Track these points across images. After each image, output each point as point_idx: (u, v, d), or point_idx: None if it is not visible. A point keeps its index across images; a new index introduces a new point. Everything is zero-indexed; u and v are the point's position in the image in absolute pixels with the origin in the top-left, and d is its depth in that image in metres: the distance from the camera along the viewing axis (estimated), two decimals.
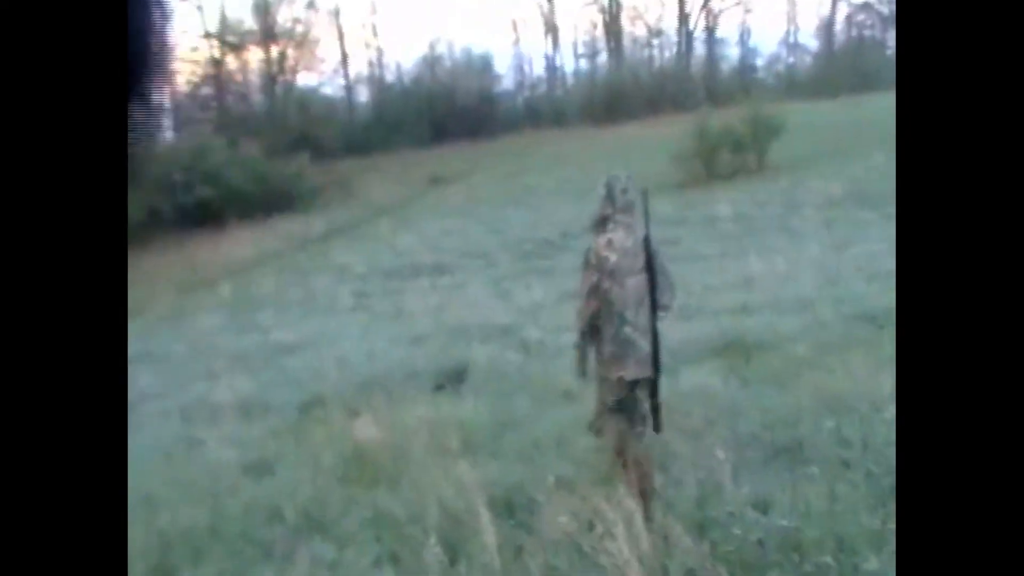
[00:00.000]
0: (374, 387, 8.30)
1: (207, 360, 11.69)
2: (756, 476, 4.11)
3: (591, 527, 3.81)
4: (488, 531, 3.94)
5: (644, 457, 4.56)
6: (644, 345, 4.56)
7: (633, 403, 4.63)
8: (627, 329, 4.51)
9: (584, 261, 4.61)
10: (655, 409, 4.64)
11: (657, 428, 4.64)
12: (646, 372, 4.58)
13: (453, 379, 8.37)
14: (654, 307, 4.58)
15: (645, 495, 4.34)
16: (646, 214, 4.58)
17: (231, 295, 18.06)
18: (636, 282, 4.51)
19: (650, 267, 4.53)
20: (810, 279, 10.42)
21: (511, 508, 4.54)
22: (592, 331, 4.59)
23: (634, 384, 4.59)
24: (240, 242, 27.39)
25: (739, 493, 3.83)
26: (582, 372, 4.71)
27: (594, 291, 4.53)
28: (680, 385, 6.51)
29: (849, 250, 12.72)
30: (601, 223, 4.60)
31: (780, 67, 58.54)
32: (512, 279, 14.90)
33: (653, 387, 4.62)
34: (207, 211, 33.38)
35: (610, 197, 4.58)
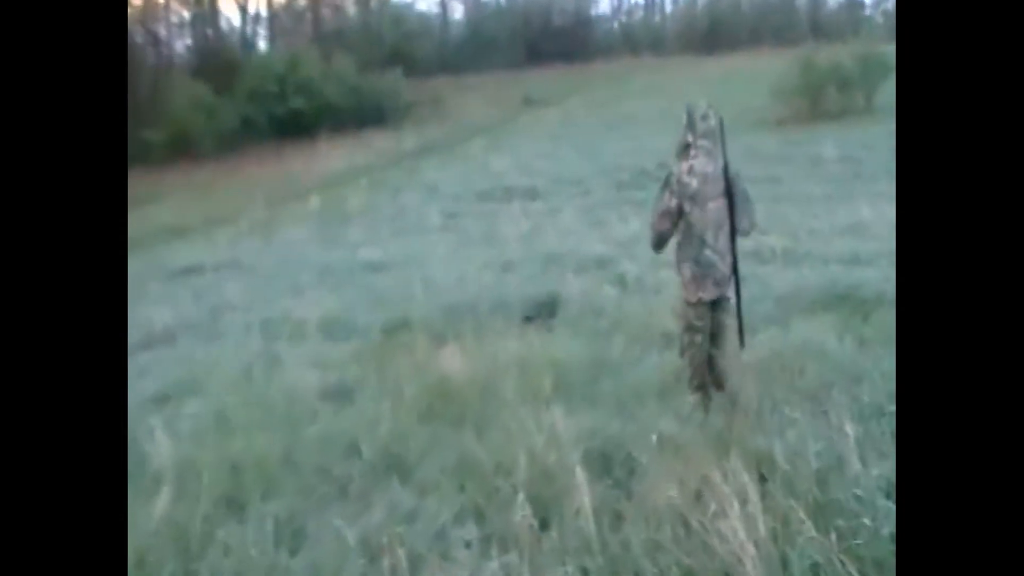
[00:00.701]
0: (462, 313, 8.03)
1: (294, 274, 11.56)
2: (884, 455, 3.67)
3: (699, 498, 3.44)
4: (583, 492, 3.59)
5: (727, 372, 4.95)
6: (723, 267, 4.91)
7: (716, 323, 4.98)
8: (707, 252, 4.84)
9: (664, 182, 4.93)
10: (739, 328, 4.99)
11: (742, 344, 5.03)
12: (725, 292, 4.97)
13: (545, 311, 8.04)
14: (733, 231, 4.89)
15: (705, 399, 4.96)
16: (723, 141, 4.87)
17: (320, 208, 17.95)
18: (716, 206, 4.81)
19: (729, 192, 4.81)
20: None
21: (608, 465, 4.19)
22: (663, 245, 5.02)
23: (714, 304, 4.96)
24: (332, 155, 27.38)
25: (868, 475, 3.40)
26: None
27: (668, 213, 4.85)
28: (791, 338, 6.06)
29: None
30: (684, 150, 4.90)
31: (889, 5, 55.85)
32: (607, 208, 14.40)
33: (735, 308, 4.99)
34: (300, 123, 33.49)
35: (691, 125, 4.88)
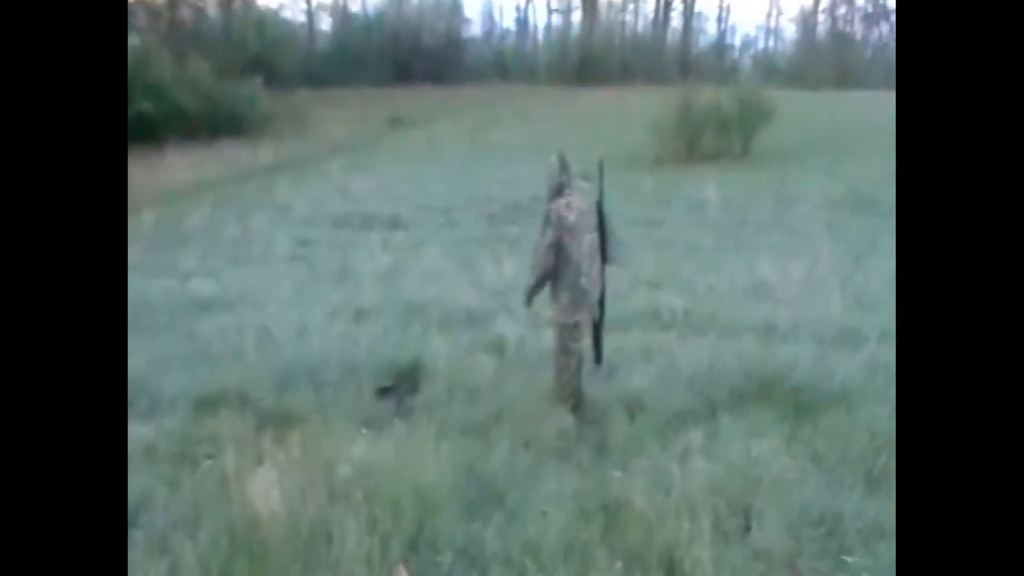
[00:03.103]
0: (299, 381, 6.41)
1: None
2: None
3: None
4: None
5: (579, 386, 5.68)
6: (595, 292, 5.52)
7: (578, 341, 5.63)
8: (583, 279, 5.41)
9: (545, 219, 5.41)
10: (598, 345, 5.73)
11: (598, 361, 5.79)
12: (594, 314, 5.62)
13: (404, 382, 6.48)
14: (603, 260, 5.55)
15: (579, 416, 5.52)
16: (600, 182, 5.53)
17: (154, 227, 15.83)
18: (591, 239, 5.43)
19: (601, 226, 5.50)
20: (837, 296, 8.62)
21: None
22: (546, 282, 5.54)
23: (578, 325, 5.58)
24: (178, 165, 25.09)
25: None
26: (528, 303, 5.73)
27: (551, 247, 5.37)
28: (722, 450, 4.69)
29: (867, 261, 11.00)
30: (558, 189, 5.43)
31: (757, 51, 57.07)
32: (477, 244, 12.91)
33: (596, 327, 5.68)
34: (146, 128, 30.66)
35: (563, 167, 5.46)
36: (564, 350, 5.59)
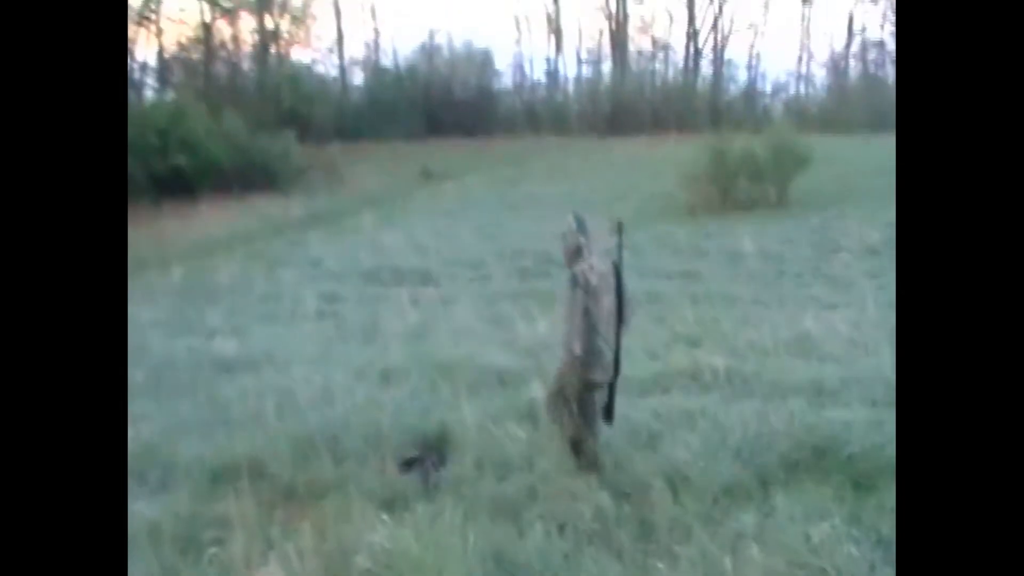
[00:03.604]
0: (319, 450, 6.07)
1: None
2: None
3: None
4: None
5: (593, 443, 5.57)
6: (609, 353, 5.50)
7: (592, 401, 5.58)
8: (599, 340, 5.42)
9: (572, 282, 5.38)
10: (610, 405, 5.61)
11: (609, 419, 5.65)
12: (609, 376, 5.55)
13: (430, 453, 6.11)
14: (619, 322, 5.54)
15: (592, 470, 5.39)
16: (620, 243, 5.59)
17: (183, 281, 15.67)
18: (608, 301, 5.45)
19: (618, 288, 5.50)
20: (888, 352, 8.14)
21: None
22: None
23: (596, 385, 5.54)
24: (211, 219, 25.09)
25: None
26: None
27: (584, 311, 5.32)
28: (777, 530, 4.27)
29: None
30: (576, 252, 5.48)
31: (789, 96, 56.66)
32: (508, 300, 12.54)
33: (610, 387, 5.59)
34: (181, 181, 30.88)
35: (581, 229, 5.51)
36: (565, 400, 5.55)
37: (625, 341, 5.64)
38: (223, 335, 10.91)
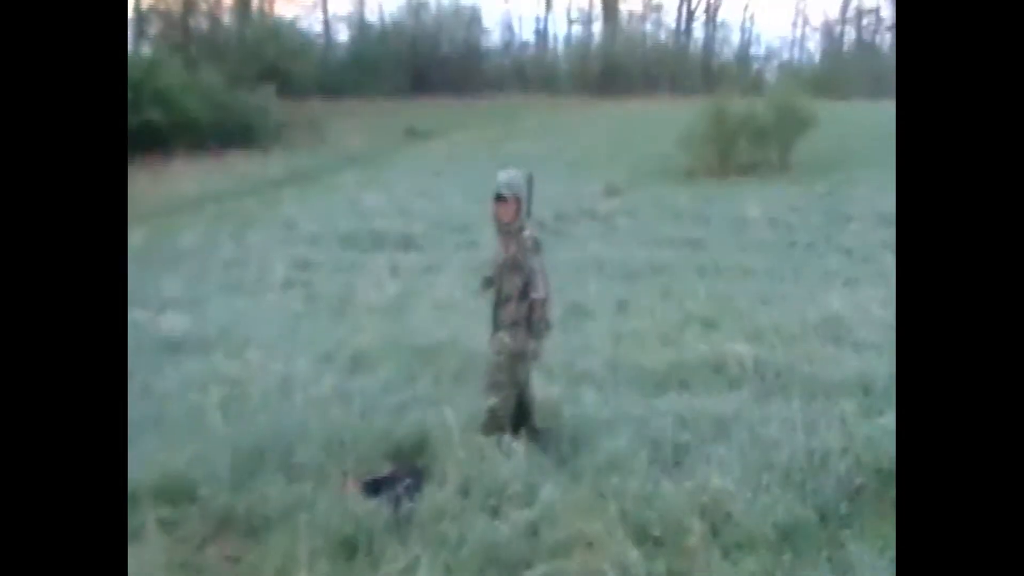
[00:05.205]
0: (268, 462, 4.94)
1: None
2: None
3: None
4: None
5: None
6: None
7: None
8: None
9: (534, 245, 5.16)
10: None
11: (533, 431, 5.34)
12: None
13: (403, 463, 4.99)
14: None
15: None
16: (529, 200, 5.23)
17: (142, 245, 14.39)
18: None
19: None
20: None
21: None
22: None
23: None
24: (184, 177, 23.66)
25: None
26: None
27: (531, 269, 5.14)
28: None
29: None
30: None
31: (783, 61, 55.57)
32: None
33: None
34: (154, 137, 29.31)
35: (529, 184, 5.25)
36: (511, 381, 5.18)
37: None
38: (176, 308, 9.70)
